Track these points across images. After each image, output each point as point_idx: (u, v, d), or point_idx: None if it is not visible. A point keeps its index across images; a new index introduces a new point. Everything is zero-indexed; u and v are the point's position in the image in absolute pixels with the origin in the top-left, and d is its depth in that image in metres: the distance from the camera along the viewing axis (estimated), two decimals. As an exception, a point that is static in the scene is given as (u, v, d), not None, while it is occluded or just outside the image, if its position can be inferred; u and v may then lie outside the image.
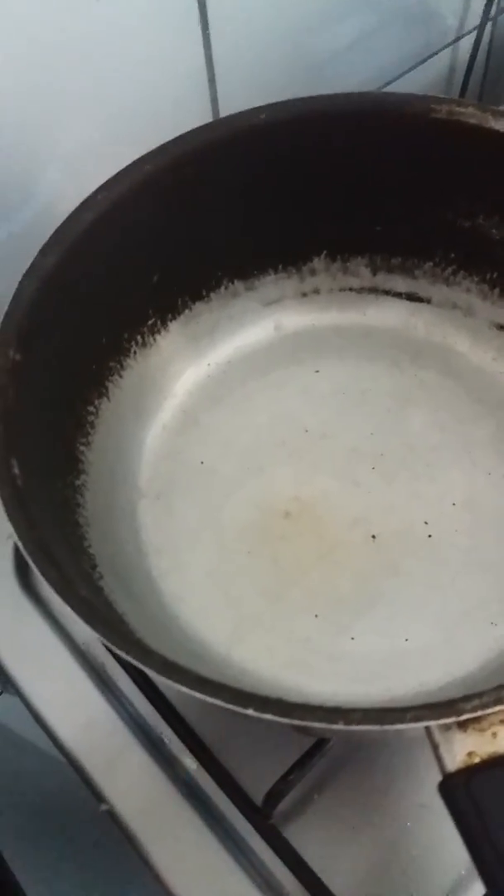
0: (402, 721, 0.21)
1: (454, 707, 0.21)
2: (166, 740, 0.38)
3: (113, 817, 0.37)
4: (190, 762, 0.37)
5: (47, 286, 0.31)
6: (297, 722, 0.21)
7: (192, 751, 0.36)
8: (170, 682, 0.22)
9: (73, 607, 0.24)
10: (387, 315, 0.43)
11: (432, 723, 0.21)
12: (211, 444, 0.41)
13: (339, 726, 0.21)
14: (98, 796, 0.37)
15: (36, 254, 0.31)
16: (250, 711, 0.21)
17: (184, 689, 0.22)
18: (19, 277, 0.30)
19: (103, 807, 0.37)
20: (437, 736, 0.22)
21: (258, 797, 0.34)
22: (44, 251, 0.31)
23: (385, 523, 0.37)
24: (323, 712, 0.21)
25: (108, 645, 0.23)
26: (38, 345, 0.31)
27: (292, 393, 0.42)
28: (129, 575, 0.35)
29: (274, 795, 0.33)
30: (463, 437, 0.39)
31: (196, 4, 0.39)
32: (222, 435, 0.41)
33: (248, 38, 0.44)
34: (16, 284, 0.34)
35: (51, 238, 0.31)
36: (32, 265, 0.31)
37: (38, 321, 0.30)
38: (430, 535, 0.37)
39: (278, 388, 0.42)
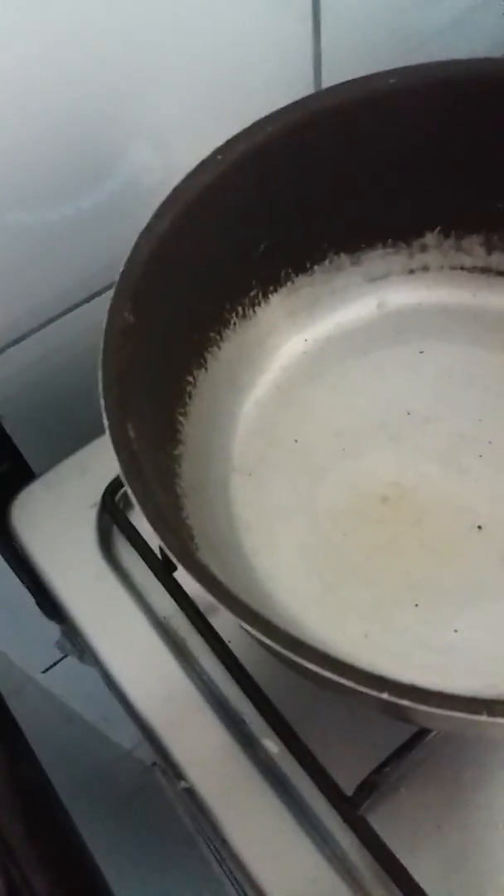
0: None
1: None
2: (247, 720, 0.37)
3: (192, 795, 0.36)
4: (271, 745, 0.36)
5: (161, 248, 0.30)
6: (435, 710, 0.20)
7: (277, 732, 0.35)
8: (297, 659, 0.21)
9: (195, 574, 0.23)
10: (499, 297, 0.40)
11: None
12: (306, 423, 0.39)
13: (483, 717, 0.19)
14: (178, 773, 0.36)
15: (142, 219, 0.30)
16: (385, 696, 0.20)
17: (312, 667, 0.21)
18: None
19: (182, 784, 0.36)
20: None
21: (345, 785, 0.33)
22: (159, 212, 0.30)
23: (492, 514, 0.36)
24: (464, 701, 0.20)
25: (236, 616, 0.22)
26: (150, 308, 0.30)
27: (394, 374, 0.40)
28: (223, 549, 0.34)
29: (367, 786, 0.31)
30: None
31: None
32: (318, 414, 0.40)
33: (355, 17, 0.42)
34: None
35: (167, 198, 0.30)
36: (148, 226, 0.30)
37: (151, 284, 0.29)
38: (540, 529, 0.35)
39: (379, 368, 0.40)
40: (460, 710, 0.20)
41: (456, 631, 0.33)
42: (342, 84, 0.33)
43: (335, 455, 0.38)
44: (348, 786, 0.33)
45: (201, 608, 0.37)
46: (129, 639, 0.39)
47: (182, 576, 0.33)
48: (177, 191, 0.31)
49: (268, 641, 0.21)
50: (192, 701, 0.38)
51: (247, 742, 0.37)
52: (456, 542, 0.35)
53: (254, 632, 0.22)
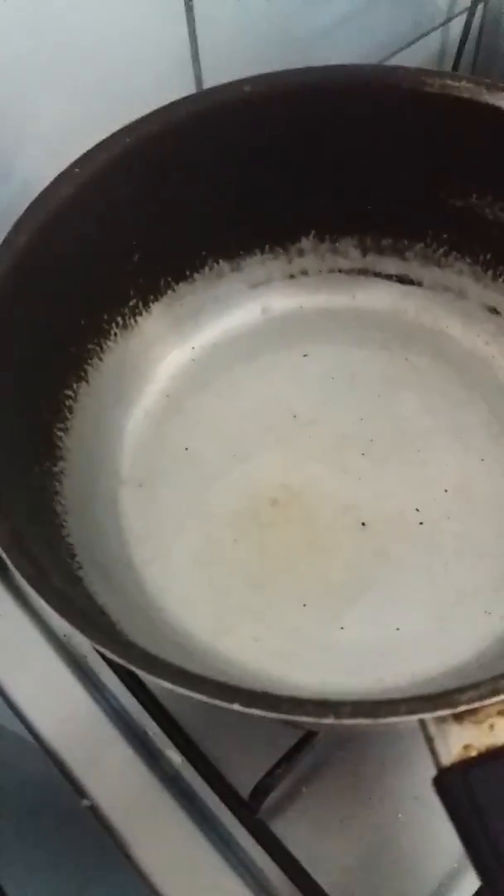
0: (395, 714, 0.20)
1: (449, 698, 0.20)
2: (150, 734, 0.37)
3: (95, 813, 0.36)
4: (175, 756, 0.36)
5: (21, 265, 0.29)
6: (285, 716, 0.20)
7: (176, 744, 0.35)
8: (151, 677, 0.21)
9: (46, 599, 0.22)
10: (377, 297, 0.41)
11: (427, 715, 0.20)
12: (195, 430, 0.39)
13: (329, 720, 0.20)
14: (80, 791, 0.36)
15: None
16: (236, 706, 0.20)
17: (165, 684, 0.21)
18: None
19: (85, 802, 0.36)
20: (432, 729, 0.21)
21: (246, 791, 0.33)
22: (16, 228, 0.29)
23: (375, 510, 0.36)
24: (312, 706, 0.20)
25: (87, 638, 0.22)
26: (11, 326, 0.29)
27: (280, 377, 0.41)
28: (111, 565, 0.34)
29: (261, 790, 0.32)
30: (455, 422, 0.38)
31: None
32: (207, 420, 0.40)
33: (233, 14, 0.42)
34: None
35: (24, 214, 0.30)
36: (5, 242, 0.30)
37: (10, 302, 0.29)
38: (421, 522, 0.36)
39: (265, 372, 0.41)
40: (309, 715, 0.20)
41: (342, 628, 0.34)
42: (200, 93, 0.33)
43: (226, 461, 0.39)
44: (248, 784, 0.34)
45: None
46: (27, 658, 0.39)
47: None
48: (34, 205, 0.30)
49: (122, 662, 0.21)
50: (94, 718, 0.37)
51: (150, 755, 0.37)
52: (342, 540, 0.36)
53: (109, 654, 0.21)
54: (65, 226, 0.31)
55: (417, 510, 0.36)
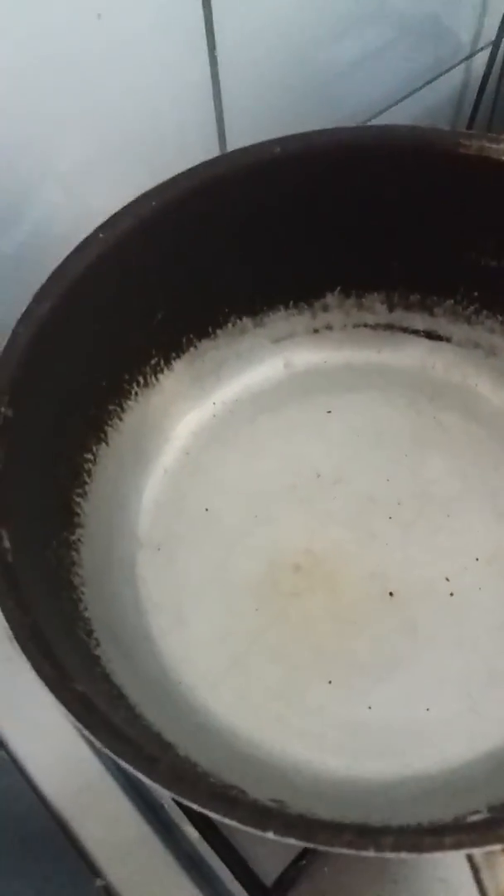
0: (440, 847, 0.19)
1: (498, 832, 0.19)
2: (166, 805, 0.36)
3: (109, 893, 0.34)
4: (191, 830, 0.35)
5: (42, 334, 0.28)
6: (322, 847, 0.19)
7: (193, 822, 0.34)
8: (178, 797, 0.20)
9: (67, 707, 0.21)
10: (403, 354, 0.40)
11: (475, 850, 0.19)
12: (216, 490, 0.38)
13: (370, 853, 0.19)
14: (93, 870, 0.35)
15: (31, 289, 0.29)
16: (270, 835, 0.19)
17: (195, 807, 0.20)
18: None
19: (99, 882, 0.34)
20: (478, 859, 0.19)
21: (267, 874, 0.32)
22: (39, 297, 0.28)
23: (403, 579, 0.35)
24: (351, 835, 0.19)
25: (110, 752, 0.21)
26: (32, 397, 0.28)
27: (303, 435, 0.39)
28: (128, 637, 0.33)
29: (285, 882, 0.30)
30: (485, 485, 0.37)
31: (202, 21, 0.37)
32: (228, 480, 0.39)
33: (255, 57, 0.42)
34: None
35: (47, 282, 0.29)
36: (27, 312, 0.29)
37: (32, 372, 0.28)
38: (451, 593, 0.35)
39: (288, 429, 0.40)
40: (348, 847, 0.19)
41: (370, 708, 0.32)
42: (227, 154, 0.32)
43: (247, 522, 0.37)
44: (271, 871, 0.32)
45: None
46: (40, 726, 0.37)
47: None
48: (57, 272, 0.29)
49: (148, 780, 0.20)
50: (108, 789, 0.36)
51: (165, 829, 0.35)
52: (368, 612, 0.35)
53: (137, 772, 0.20)
54: (88, 292, 0.30)
55: (447, 580, 0.35)
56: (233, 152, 0.32)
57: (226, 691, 0.33)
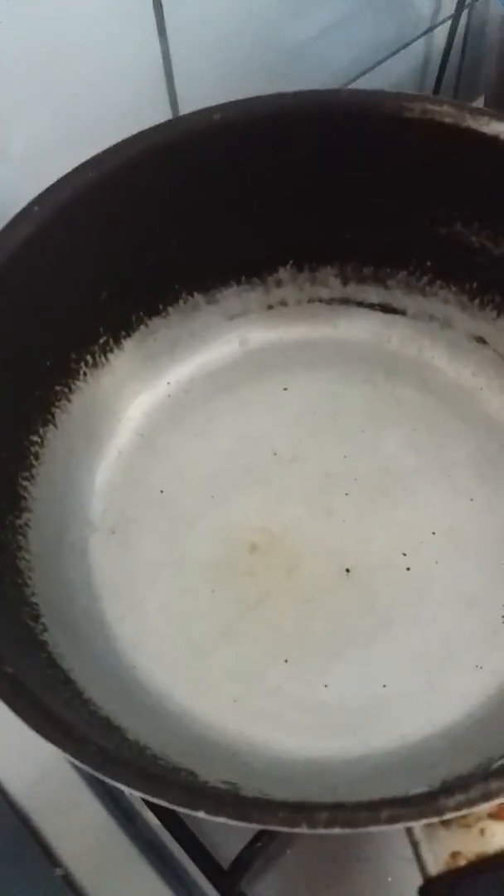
0: (376, 822, 0.18)
1: (436, 805, 0.18)
2: (126, 794, 0.35)
3: (68, 882, 0.34)
4: (152, 816, 0.34)
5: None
6: (257, 825, 0.18)
7: (151, 808, 0.33)
8: (108, 779, 0.19)
9: (4, 699, 0.20)
10: (359, 328, 0.40)
11: (412, 823, 0.18)
12: (171, 471, 0.37)
13: (303, 829, 0.18)
14: (52, 859, 0.34)
15: None
16: (201, 814, 0.18)
17: (122, 787, 0.19)
18: None
19: (58, 871, 0.34)
20: (417, 832, 0.19)
21: (226, 856, 0.32)
22: (-28, 271, 0.27)
23: (360, 555, 0.35)
24: (285, 812, 0.18)
25: (40, 736, 0.20)
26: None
27: (259, 413, 0.39)
28: (80, 622, 0.32)
29: (241, 864, 0.30)
30: (442, 459, 0.37)
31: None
32: (183, 460, 0.38)
33: (207, 30, 0.41)
34: None
35: (-21, 256, 0.28)
36: (-41, 286, 0.28)
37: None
38: (408, 568, 0.34)
39: (244, 408, 0.39)
40: (281, 824, 0.18)
41: (326, 686, 0.32)
42: (165, 123, 0.31)
43: (203, 503, 0.37)
44: (230, 855, 0.32)
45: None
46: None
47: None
48: (-10, 247, 0.28)
49: (77, 763, 0.19)
50: (66, 777, 0.35)
51: (125, 816, 0.35)
52: (325, 589, 0.34)
53: (65, 755, 0.19)
54: (24, 267, 0.29)
55: (404, 555, 0.34)
56: (171, 120, 0.31)
57: (181, 674, 0.32)
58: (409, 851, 0.32)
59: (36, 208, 0.29)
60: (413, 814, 0.18)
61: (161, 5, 0.36)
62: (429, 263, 0.37)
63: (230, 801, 0.19)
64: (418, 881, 0.31)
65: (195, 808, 0.18)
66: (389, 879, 0.33)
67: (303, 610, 0.34)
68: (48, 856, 0.34)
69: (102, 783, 0.35)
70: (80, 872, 0.34)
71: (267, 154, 0.33)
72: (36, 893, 0.34)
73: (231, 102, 0.31)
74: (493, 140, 0.30)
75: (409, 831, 0.19)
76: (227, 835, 0.32)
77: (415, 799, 0.19)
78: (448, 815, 0.18)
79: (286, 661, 0.32)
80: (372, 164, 0.33)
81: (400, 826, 0.18)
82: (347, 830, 0.18)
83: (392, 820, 0.18)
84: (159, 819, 0.33)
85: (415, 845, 0.19)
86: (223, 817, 0.18)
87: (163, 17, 0.37)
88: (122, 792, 0.35)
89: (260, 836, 0.30)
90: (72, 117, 0.37)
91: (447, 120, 0.30)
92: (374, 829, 0.18)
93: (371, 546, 0.35)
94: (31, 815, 0.35)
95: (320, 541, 0.35)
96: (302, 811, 0.18)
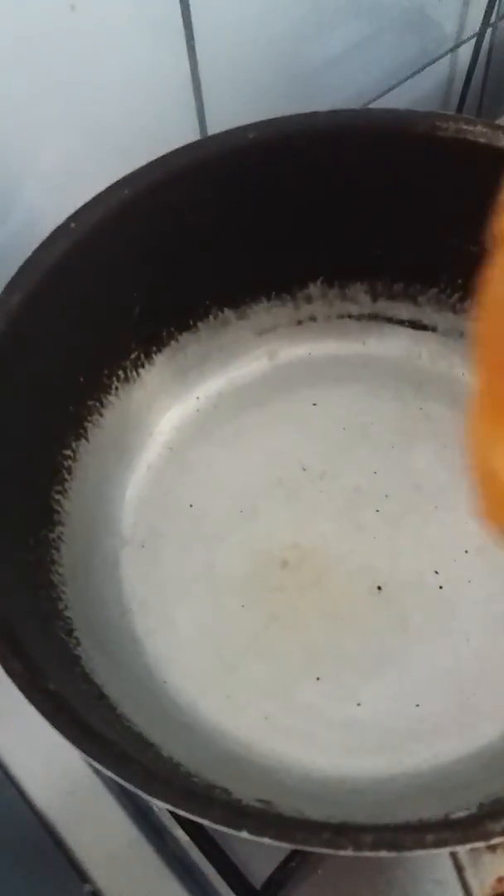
0: (421, 845, 0.18)
1: (483, 829, 0.18)
2: (156, 809, 0.35)
3: (98, 899, 0.33)
4: (182, 833, 0.34)
5: (12, 328, 0.28)
6: (300, 847, 0.18)
7: (181, 824, 0.33)
8: (152, 798, 0.19)
9: (37, 706, 0.20)
10: (388, 344, 0.40)
11: (458, 848, 0.18)
12: (201, 485, 0.37)
13: (349, 852, 0.18)
14: (81, 875, 0.34)
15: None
16: (245, 834, 0.18)
17: (168, 807, 0.19)
18: None
19: (87, 888, 0.34)
20: (462, 857, 0.19)
21: (256, 874, 0.31)
22: (8, 289, 0.28)
23: (392, 573, 0.34)
24: (330, 834, 0.18)
25: (81, 754, 0.20)
26: (5, 394, 0.28)
27: (288, 428, 0.39)
28: (111, 636, 0.32)
29: (273, 883, 0.29)
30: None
31: (179, 12, 0.36)
32: (213, 474, 0.38)
33: (235, 48, 0.41)
34: None
35: (16, 274, 0.28)
36: (-2, 303, 0.28)
37: (3, 368, 0.27)
38: (441, 587, 0.34)
39: (273, 422, 0.39)
40: (325, 846, 0.18)
41: (359, 704, 0.32)
42: (201, 141, 0.32)
43: (232, 518, 0.37)
44: (262, 875, 0.31)
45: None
46: (26, 725, 0.37)
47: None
48: (28, 264, 0.29)
49: (120, 780, 0.19)
50: (96, 791, 0.35)
51: (154, 833, 0.35)
52: (356, 606, 0.34)
53: (110, 773, 0.19)
54: (60, 284, 0.30)
55: (437, 573, 0.34)
56: (205, 139, 0.31)
57: (212, 690, 0.32)
58: (441, 874, 0.32)
59: (73, 224, 0.29)
60: (460, 837, 0.18)
61: (191, 25, 0.37)
62: (460, 281, 0.37)
63: (273, 822, 0.19)
64: (453, 904, 0.31)
65: (238, 828, 0.18)
66: (421, 902, 0.32)
67: (334, 627, 0.33)
68: (77, 871, 0.34)
69: (130, 797, 0.35)
70: (109, 889, 0.33)
71: (298, 172, 0.33)
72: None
73: (264, 121, 0.32)
74: (527, 158, 0.30)
75: (453, 856, 0.19)
76: (258, 853, 0.32)
77: (460, 822, 0.18)
78: (496, 840, 0.18)
79: (318, 678, 0.32)
80: (403, 182, 0.33)
81: (446, 850, 0.18)
82: (393, 854, 0.18)
83: (439, 844, 0.18)
84: (189, 835, 0.33)
85: (459, 870, 0.19)
86: (267, 838, 0.18)
87: (192, 37, 0.38)
88: (150, 807, 0.35)
89: (293, 855, 0.30)
90: (100, 133, 0.38)
91: (481, 140, 0.30)
92: (420, 852, 0.18)
93: (402, 563, 0.35)
94: (58, 829, 0.35)
95: (351, 557, 0.35)
96: (347, 833, 0.18)
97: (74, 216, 0.30)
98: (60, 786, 0.36)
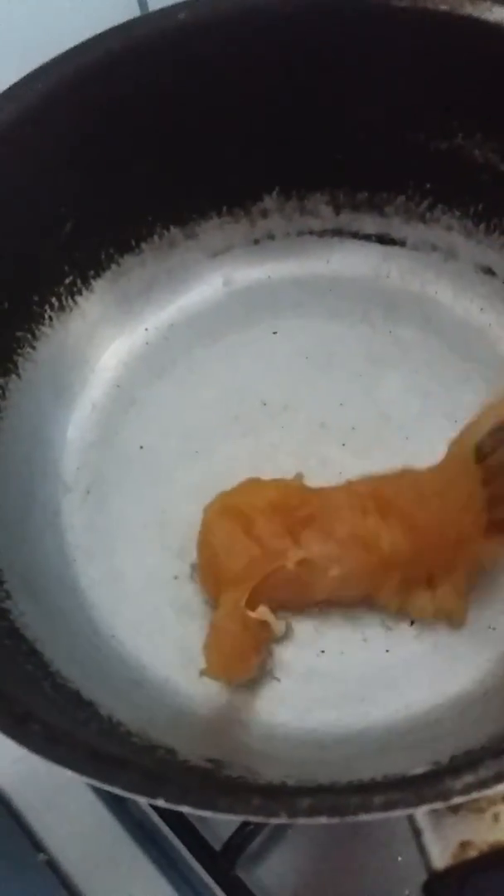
0: (367, 809, 0.15)
1: (441, 788, 0.15)
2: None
3: (53, 868, 0.31)
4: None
5: None
6: (224, 815, 0.15)
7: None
8: (55, 763, 0.16)
9: None
10: (354, 262, 0.36)
11: (411, 810, 0.15)
12: (151, 425, 0.34)
13: (282, 819, 0.15)
14: (35, 843, 0.32)
15: None
16: (161, 802, 0.15)
17: (74, 774, 0.16)
18: None
19: (41, 856, 0.32)
20: (420, 820, 0.16)
21: (224, 837, 0.29)
22: None
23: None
24: (259, 799, 0.15)
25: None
26: None
27: (247, 360, 0.35)
28: (52, 589, 0.29)
29: (232, 848, 0.27)
30: (448, 403, 0.33)
31: None
32: (165, 413, 0.35)
33: None
34: None
35: None
36: None
37: None
38: (411, 523, 0.31)
39: (230, 354, 0.36)
40: (255, 814, 0.15)
41: (322, 651, 0.29)
42: (125, 24, 0.28)
43: (186, 459, 0.34)
44: (223, 835, 0.29)
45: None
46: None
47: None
48: None
49: (20, 745, 0.17)
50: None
51: (110, 796, 0.32)
52: (321, 548, 0.31)
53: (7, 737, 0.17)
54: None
55: (407, 508, 0.31)
56: (130, 21, 0.27)
57: (163, 644, 0.29)
58: (422, 823, 0.30)
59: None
60: (413, 798, 0.15)
61: None
62: (429, 185, 0.33)
63: (194, 788, 0.16)
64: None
65: (153, 796, 0.15)
66: (400, 859, 0.30)
67: (296, 570, 0.31)
68: (31, 840, 0.32)
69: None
70: (66, 857, 0.31)
71: (239, 60, 0.29)
72: (18, 880, 0.31)
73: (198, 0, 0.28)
74: (496, 29, 0.26)
75: (410, 819, 0.16)
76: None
77: (415, 780, 0.16)
78: (456, 800, 0.15)
79: (278, 629, 0.29)
80: (359, 66, 0.29)
81: (398, 814, 0.15)
82: (334, 820, 0.15)
83: (388, 807, 0.15)
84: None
85: (417, 834, 0.16)
86: (186, 806, 0.15)
87: None
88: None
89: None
90: (40, 21, 0.33)
91: (442, 7, 0.26)
92: (366, 817, 0.15)
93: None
94: (11, 796, 0.33)
95: (314, 496, 0.32)
96: (279, 798, 0.15)
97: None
98: (12, 751, 0.33)
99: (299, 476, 0.31)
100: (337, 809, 0.15)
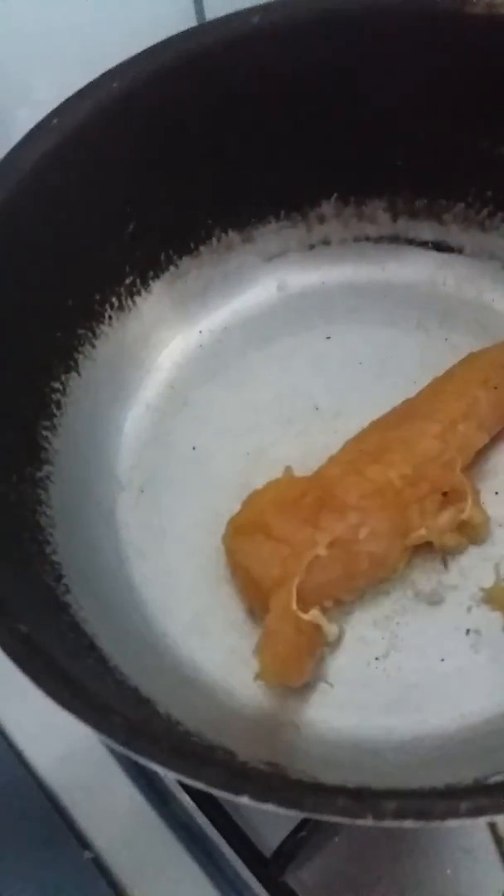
0: (454, 814, 0.15)
1: (529, 794, 0.15)
2: (160, 773, 0.33)
3: (99, 866, 0.31)
4: (187, 799, 0.32)
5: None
6: (311, 815, 0.15)
7: (187, 790, 0.31)
8: (135, 756, 0.16)
9: (4, 648, 0.18)
10: (410, 269, 0.36)
11: (499, 817, 0.15)
12: (204, 426, 0.34)
13: (368, 821, 0.15)
14: (81, 842, 0.32)
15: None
16: (245, 800, 0.15)
17: (155, 767, 0.16)
18: None
19: (87, 854, 0.32)
20: (503, 827, 0.16)
21: (268, 842, 0.29)
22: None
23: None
24: (346, 800, 0.15)
25: (55, 702, 0.17)
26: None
27: (300, 364, 0.35)
28: (107, 585, 0.29)
29: (284, 854, 0.27)
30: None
31: None
32: (217, 415, 0.35)
33: None
34: None
35: (-8, 175, 0.25)
36: (-30, 209, 0.25)
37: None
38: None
39: (283, 358, 0.36)
40: (341, 814, 0.15)
41: (377, 659, 0.29)
42: (200, 27, 0.28)
43: (237, 461, 0.34)
44: (273, 840, 0.29)
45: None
46: (21, 686, 0.34)
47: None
48: (3, 165, 0.25)
49: (99, 734, 0.17)
50: (96, 755, 0.33)
51: (159, 798, 0.32)
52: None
53: (86, 725, 0.17)
54: (41, 190, 0.26)
55: (463, 517, 0.31)
56: (204, 25, 0.28)
57: (215, 645, 0.29)
58: (470, 842, 0.30)
59: (55, 121, 0.26)
60: (501, 805, 0.15)
61: None
62: (489, 193, 0.33)
63: (279, 786, 0.16)
64: (483, 876, 0.28)
65: (237, 793, 0.15)
66: (448, 873, 0.30)
67: (349, 576, 0.30)
68: (78, 838, 0.32)
69: (134, 761, 0.33)
70: (111, 856, 0.31)
71: (308, 65, 0.29)
72: (65, 877, 0.31)
73: (269, 3, 0.28)
74: None
75: (492, 826, 0.16)
76: (271, 819, 0.30)
77: (499, 788, 0.15)
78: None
79: (333, 629, 0.29)
80: (426, 73, 0.29)
81: (483, 820, 0.15)
82: (421, 823, 0.15)
83: (475, 812, 0.15)
84: (195, 802, 0.30)
85: (499, 842, 0.16)
86: (272, 804, 0.15)
87: None
88: (154, 771, 0.33)
89: (303, 824, 0.27)
90: (96, 58, 0.34)
91: (519, 14, 0.26)
92: (452, 823, 0.15)
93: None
94: (60, 795, 0.33)
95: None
96: (367, 800, 0.15)
97: (57, 111, 0.26)
98: (58, 748, 0.33)
99: (289, 469, 0.31)
100: (424, 813, 0.15)
